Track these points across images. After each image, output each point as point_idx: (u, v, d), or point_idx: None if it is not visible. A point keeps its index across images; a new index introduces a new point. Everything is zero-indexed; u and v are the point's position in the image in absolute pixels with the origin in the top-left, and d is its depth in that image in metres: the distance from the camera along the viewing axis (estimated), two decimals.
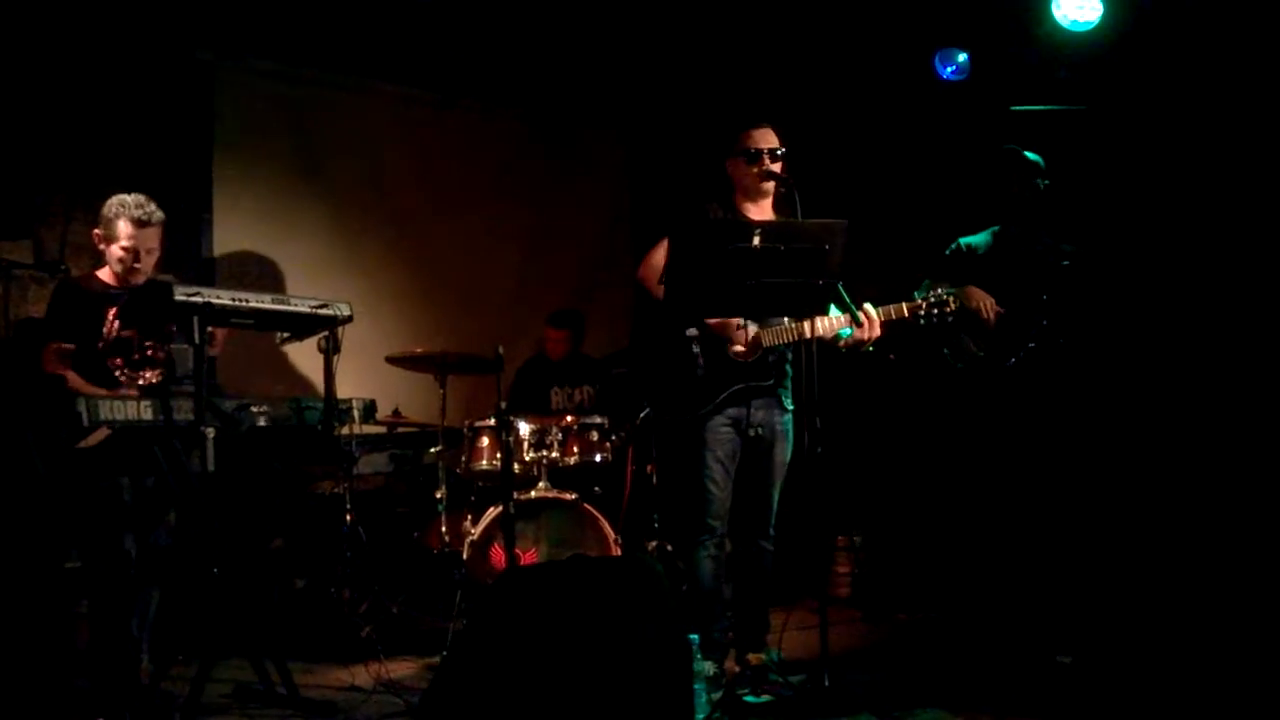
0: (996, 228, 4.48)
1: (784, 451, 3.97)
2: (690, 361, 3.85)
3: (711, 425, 3.86)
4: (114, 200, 3.93)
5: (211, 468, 3.49)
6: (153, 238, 3.95)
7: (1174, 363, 4.72)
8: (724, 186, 4.04)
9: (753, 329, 3.76)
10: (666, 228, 3.51)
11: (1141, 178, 4.94)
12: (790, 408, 3.98)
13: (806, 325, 3.65)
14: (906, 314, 3.79)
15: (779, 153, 3.89)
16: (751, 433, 3.87)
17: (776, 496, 3.98)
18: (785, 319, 3.79)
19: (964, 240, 4.49)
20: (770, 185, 3.91)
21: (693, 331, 3.85)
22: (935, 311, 3.75)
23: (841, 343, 3.80)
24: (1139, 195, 4.92)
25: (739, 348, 3.79)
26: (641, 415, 3.75)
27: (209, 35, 5.42)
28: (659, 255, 3.69)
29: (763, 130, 3.95)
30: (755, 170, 3.89)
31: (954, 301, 3.78)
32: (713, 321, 3.81)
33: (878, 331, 3.75)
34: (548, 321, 5.94)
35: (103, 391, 3.71)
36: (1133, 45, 4.90)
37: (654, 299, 3.72)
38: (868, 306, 3.76)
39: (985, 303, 4.27)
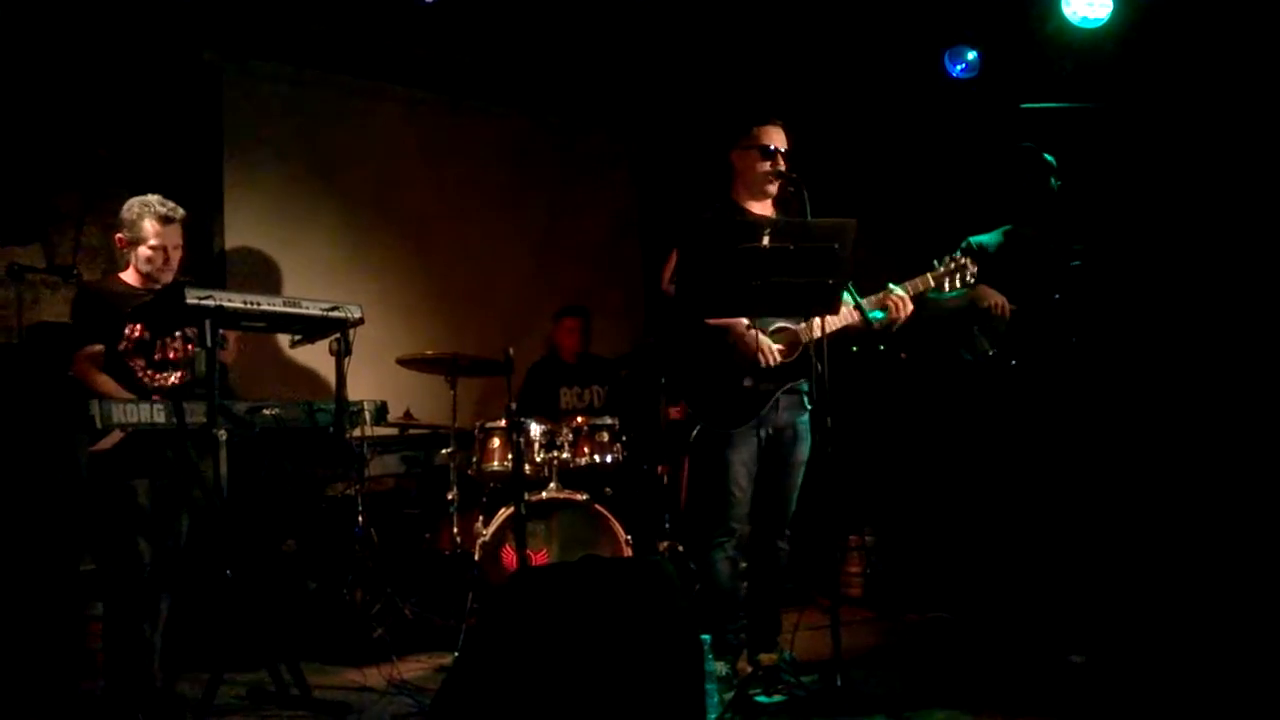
0: (1008, 227, 4.47)
1: (804, 451, 3.95)
2: (734, 371, 3.80)
3: (742, 430, 3.84)
4: (135, 201, 3.90)
5: (224, 470, 3.50)
6: (177, 235, 3.93)
7: (1184, 361, 4.70)
8: (723, 176, 4.01)
9: (772, 354, 3.75)
10: (675, 228, 3.50)
11: (1152, 175, 4.92)
12: (809, 407, 3.95)
13: (841, 314, 3.68)
14: (933, 284, 3.86)
15: (787, 152, 3.89)
16: (764, 433, 3.86)
17: (794, 497, 3.97)
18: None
19: (974, 239, 4.47)
20: (778, 184, 3.91)
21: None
22: (958, 277, 3.84)
23: (875, 324, 3.78)
24: (1149, 192, 4.90)
25: (764, 368, 3.77)
26: (695, 432, 3.70)
27: (215, 38, 5.44)
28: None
29: (775, 127, 3.94)
30: (767, 167, 3.88)
31: (973, 264, 3.86)
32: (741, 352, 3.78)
33: (910, 308, 3.77)
34: (562, 313, 5.93)
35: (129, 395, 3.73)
36: (1143, 41, 4.88)
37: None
38: (893, 287, 3.77)
39: (997, 301, 4.27)
